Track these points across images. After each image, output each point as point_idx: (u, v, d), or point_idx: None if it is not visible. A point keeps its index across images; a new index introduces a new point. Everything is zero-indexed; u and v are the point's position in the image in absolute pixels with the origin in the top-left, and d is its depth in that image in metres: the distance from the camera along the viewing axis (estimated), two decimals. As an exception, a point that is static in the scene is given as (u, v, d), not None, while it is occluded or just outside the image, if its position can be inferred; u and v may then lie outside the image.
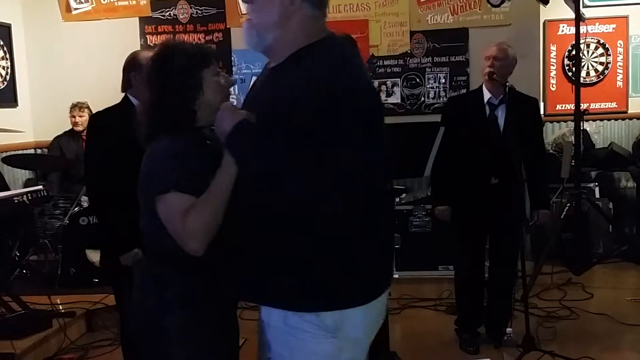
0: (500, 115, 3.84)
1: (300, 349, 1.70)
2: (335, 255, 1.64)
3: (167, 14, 6.09)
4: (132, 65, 3.09)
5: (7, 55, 6.03)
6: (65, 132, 5.81)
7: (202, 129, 1.97)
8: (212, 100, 1.91)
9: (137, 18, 6.11)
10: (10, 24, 6.07)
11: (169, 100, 1.90)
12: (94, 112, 5.61)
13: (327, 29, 1.76)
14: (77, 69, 6.11)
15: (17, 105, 6.12)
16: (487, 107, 3.87)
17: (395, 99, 5.92)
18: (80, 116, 5.68)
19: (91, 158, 3.15)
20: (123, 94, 3.16)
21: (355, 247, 1.67)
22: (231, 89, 2.09)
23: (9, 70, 6.04)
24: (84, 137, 5.70)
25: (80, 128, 5.67)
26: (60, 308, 4.41)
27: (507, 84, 3.69)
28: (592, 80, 6.40)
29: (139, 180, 1.95)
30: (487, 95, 3.88)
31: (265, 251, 1.68)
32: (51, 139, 5.92)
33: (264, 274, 1.69)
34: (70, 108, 5.72)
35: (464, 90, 5.67)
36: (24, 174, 6.09)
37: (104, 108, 3.18)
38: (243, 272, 1.75)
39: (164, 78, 1.92)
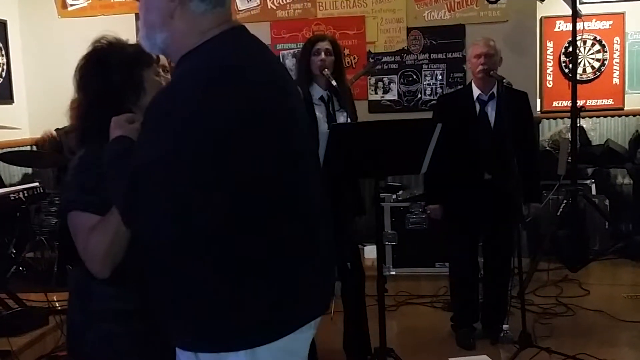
0: (490, 111, 3.87)
1: None
2: (215, 291, 1.44)
3: (164, 10, 6.06)
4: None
5: (3, 52, 6.01)
6: (62, 128, 5.78)
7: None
8: None
9: (133, 14, 6.08)
10: (6, 20, 6.05)
11: (105, 102, 1.75)
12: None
13: (228, 22, 1.54)
14: (73, 66, 5.95)
15: (13, 102, 6.10)
16: (477, 104, 3.89)
17: (392, 95, 5.92)
18: None
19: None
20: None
21: (240, 283, 1.44)
22: None
23: (4, 67, 6.01)
24: None
25: None
26: (57, 305, 4.40)
27: (505, 80, 3.69)
28: (589, 77, 6.40)
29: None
30: (476, 92, 3.90)
31: (153, 282, 1.55)
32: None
33: (158, 303, 1.56)
34: (70, 104, 5.69)
35: (461, 87, 5.66)
36: (20, 171, 6.07)
37: None
38: (148, 295, 1.60)
39: (101, 77, 1.77)
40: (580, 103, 5.20)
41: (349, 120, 3.42)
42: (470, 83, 3.96)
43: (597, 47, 6.38)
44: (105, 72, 1.77)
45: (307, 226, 1.54)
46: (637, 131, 6.25)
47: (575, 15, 4.99)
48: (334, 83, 3.37)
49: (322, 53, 3.42)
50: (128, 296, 1.76)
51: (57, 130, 5.82)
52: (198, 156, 1.37)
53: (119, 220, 1.57)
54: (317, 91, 3.48)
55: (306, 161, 1.57)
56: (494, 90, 3.84)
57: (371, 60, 5.83)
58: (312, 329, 1.59)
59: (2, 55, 6.01)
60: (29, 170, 6.09)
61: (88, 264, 1.70)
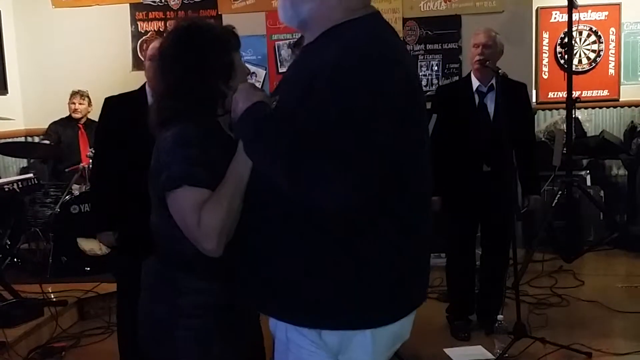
0: (490, 102, 3.85)
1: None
2: (344, 272, 1.45)
3: (158, 0, 6.04)
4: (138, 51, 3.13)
5: (-3, 42, 5.97)
6: (61, 119, 5.77)
7: (218, 117, 1.76)
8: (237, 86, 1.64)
9: (128, 4, 6.06)
10: (-1, 10, 6.02)
11: (199, 79, 1.68)
12: (92, 100, 5.63)
13: (369, 5, 1.57)
14: (67, 56, 6.06)
15: (7, 92, 6.07)
16: (476, 95, 3.88)
17: (388, 86, 5.90)
18: (81, 104, 5.66)
19: (97, 139, 3.25)
20: (116, 81, 3.20)
21: (370, 264, 1.46)
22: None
23: (-2, 58, 5.98)
24: (81, 125, 5.69)
25: (78, 115, 5.66)
26: (52, 296, 4.40)
27: (500, 71, 3.68)
28: (585, 68, 6.40)
29: (148, 174, 1.75)
30: (475, 83, 3.88)
31: (270, 258, 1.52)
32: (42, 126, 5.90)
33: (269, 284, 1.53)
34: (71, 95, 5.69)
35: (456, 78, 5.66)
36: (15, 162, 6.05)
37: (119, 93, 3.20)
38: (250, 278, 1.58)
39: (195, 54, 1.69)
40: (575, 94, 5.20)
41: None
42: (470, 74, 3.95)
43: (592, 38, 6.38)
44: (199, 49, 1.69)
45: (427, 211, 1.60)
46: (632, 122, 6.27)
47: (571, 6, 4.98)
48: None
49: None
50: (216, 290, 1.71)
51: (52, 124, 5.78)
52: (376, 125, 1.37)
53: (233, 190, 1.57)
54: None
55: (425, 150, 1.60)
56: (493, 81, 3.82)
57: None
58: (414, 314, 1.64)
59: (-4, 46, 5.97)
60: (24, 161, 6.07)
61: (200, 242, 1.59)
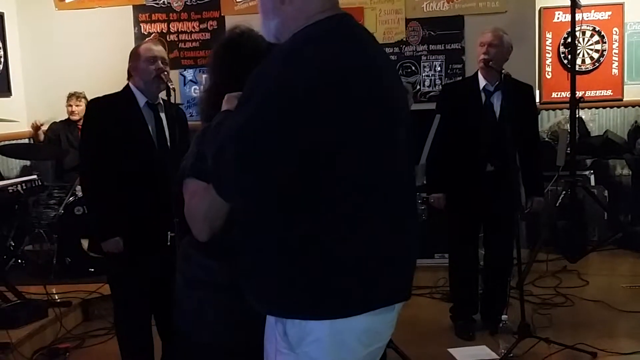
0: (496, 102, 3.84)
1: (269, 352, 1.61)
2: (302, 261, 1.49)
3: (161, 2, 6.04)
4: (132, 54, 3.14)
5: (0, 44, 5.98)
6: (61, 121, 5.80)
7: None
8: None
9: (131, 6, 6.07)
10: (3, 13, 6.03)
11: (231, 88, 1.80)
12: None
13: (335, 8, 1.60)
14: (70, 58, 6.07)
15: (11, 94, 6.08)
16: (482, 94, 3.87)
17: (391, 87, 5.90)
18: (77, 105, 5.68)
19: (85, 143, 3.15)
20: (119, 83, 3.19)
21: (326, 253, 1.48)
22: None
23: (2, 60, 5.99)
24: (80, 126, 5.69)
25: (76, 117, 5.69)
26: (56, 297, 4.41)
27: (503, 71, 3.67)
28: (588, 67, 6.39)
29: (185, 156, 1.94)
30: (482, 82, 3.87)
31: (244, 249, 1.60)
32: (45, 128, 5.91)
33: (247, 272, 1.61)
34: (67, 97, 5.72)
35: (459, 78, 5.65)
36: (19, 164, 6.06)
37: (103, 95, 3.17)
38: (237, 264, 1.66)
39: (230, 65, 1.87)
40: (579, 94, 5.20)
41: None
42: (477, 73, 3.94)
43: (596, 37, 6.37)
44: (235, 62, 1.87)
45: (395, 211, 1.58)
46: (635, 122, 6.25)
47: (575, 6, 4.98)
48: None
49: None
50: (221, 270, 1.85)
51: (53, 123, 5.82)
52: (283, 123, 1.41)
53: None
54: None
55: (397, 150, 1.59)
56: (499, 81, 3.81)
57: None
58: (394, 314, 1.61)
59: (0, 48, 5.98)
60: (28, 162, 6.08)
61: (190, 226, 1.79)
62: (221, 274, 1.85)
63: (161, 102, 3.14)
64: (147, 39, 5.51)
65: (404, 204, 1.62)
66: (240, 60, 1.86)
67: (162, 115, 3.12)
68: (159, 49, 3.12)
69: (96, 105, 3.14)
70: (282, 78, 1.44)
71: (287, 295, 1.51)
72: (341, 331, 1.49)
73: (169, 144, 3.07)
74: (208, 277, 1.88)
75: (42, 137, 5.79)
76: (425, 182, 3.95)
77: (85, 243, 4.96)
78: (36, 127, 5.77)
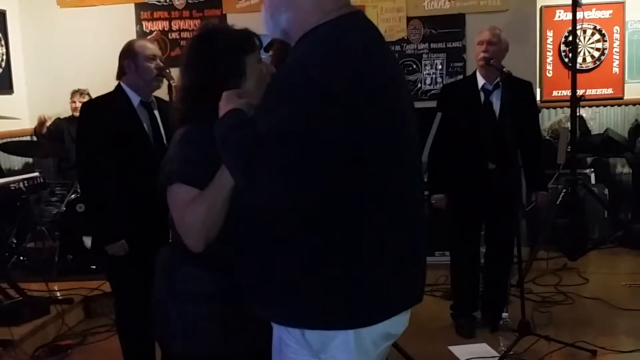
0: (495, 100, 3.85)
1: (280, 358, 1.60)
2: (322, 272, 1.47)
3: (163, 0, 6.05)
4: (126, 52, 3.07)
5: (3, 42, 5.99)
6: (65, 118, 5.81)
7: None
8: (253, 89, 1.76)
9: (133, 4, 6.07)
10: (5, 10, 6.03)
11: (209, 85, 1.76)
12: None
13: (347, 5, 1.58)
14: (72, 56, 6.08)
15: (13, 92, 6.08)
16: (481, 93, 3.88)
17: (392, 85, 5.90)
18: (81, 102, 5.68)
19: (81, 146, 3.12)
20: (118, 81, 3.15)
21: (352, 262, 1.47)
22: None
23: (4, 57, 6.00)
24: None
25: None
26: (58, 295, 4.42)
27: (504, 69, 3.68)
28: (589, 66, 6.39)
29: (161, 166, 1.83)
30: (481, 81, 3.88)
31: (256, 257, 1.56)
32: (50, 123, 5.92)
33: (257, 280, 1.57)
34: (71, 94, 5.73)
35: (460, 77, 5.66)
36: (21, 161, 6.07)
37: (95, 96, 3.15)
38: (241, 273, 1.63)
39: (206, 59, 1.80)
40: (579, 92, 5.20)
41: None
42: (475, 72, 3.95)
43: (597, 36, 6.37)
44: (211, 56, 1.80)
45: (410, 209, 1.58)
46: (636, 120, 6.25)
47: (576, 5, 4.98)
48: None
49: None
50: (214, 279, 1.79)
51: (57, 119, 5.83)
52: (324, 127, 1.38)
53: (215, 194, 1.67)
54: None
55: (406, 150, 1.58)
56: (499, 79, 3.81)
57: None
58: (408, 315, 1.63)
59: (2, 46, 5.99)
60: (30, 160, 6.09)
61: (184, 236, 1.72)
62: (213, 283, 1.79)
63: (154, 99, 3.12)
64: (147, 37, 5.53)
65: (414, 204, 1.62)
66: (217, 53, 1.80)
67: (156, 112, 3.09)
68: (155, 47, 3.11)
69: (89, 108, 3.13)
70: (324, 80, 1.39)
71: (308, 307, 1.50)
72: (363, 337, 1.52)
73: (165, 142, 3.03)
74: (199, 289, 1.80)
75: (44, 130, 5.78)
76: (426, 180, 3.96)
77: (87, 241, 4.97)
78: (42, 122, 5.77)
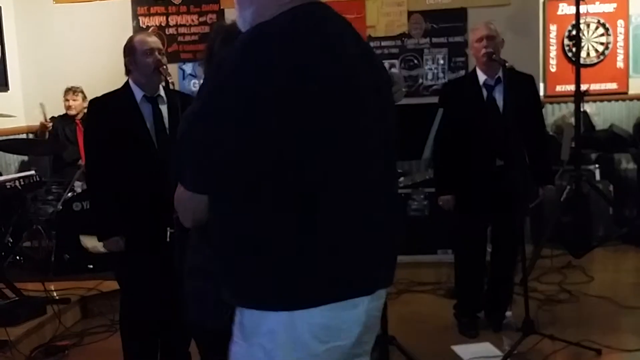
0: (498, 96, 3.81)
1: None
2: (259, 250, 1.48)
3: (160, -5, 6.00)
4: (127, 49, 3.08)
5: (-2, 39, 5.95)
6: (59, 116, 5.78)
7: None
8: None
9: (129, 0, 6.02)
10: (0, 7, 5.98)
11: None
12: (87, 96, 5.61)
13: None
14: (68, 52, 6.04)
15: (8, 89, 6.04)
16: (483, 90, 3.82)
17: (393, 80, 5.85)
18: (74, 100, 5.66)
19: (88, 143, 3.16)
20: (117, 76, 3.15)
21: (284, 242, 1.46)
22: None
23: (-1, 54, 5.96)
24: (78, 121, 5.68)
25: (73, 112, 5.67)
26: (55, 294, 4.38)
27: (507, 64, 3.63)
28: (593, 60, 6.34)
29: None
30: (482, 77, 3.83)
31: (212, 235, 1.60)
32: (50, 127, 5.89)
33: (213, 258, 1.62)
34: (64, 92, 5.69)
35: (462, 72, 5.60)
36: (17, 159, 6.04)
37: (103, 93, 3.14)
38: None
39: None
40: (583, 87, 5.15)
41: None
42: (475, 69, 3.89)
43: (600, 30, 6.31)
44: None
45: (361, 206, 1.53)
46: (641, 115, 6.20)
47: (579, -2, 4.93)
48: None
49: None
50: (208, 256, 1.84)
51: (52, 118, 5.79)
52: (240, 112, 1.40)
53: None
54: None
55: (366, 142, 1.55)
56: (500, 74, 3.77)
57: None
58: (359, 312, 1.53)
59: (-3, 42, 5.95)
60: (25, 158, 6.05)
61: (177, 211, 1.78)
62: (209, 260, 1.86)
63: (161, 93, 3.09)
64: (139, 32, 5.46)
65: (372, 198, 1.55)
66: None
67: (163, 107, 3.07)
68: (153, 40, 3.06)
69: (95, 106, 3.14)
70: (238, 73, 1.42)
71: (244, 284, 1.49)
72: (296, 325, 1.46)
73: (169, 136, 3.02)
74: (204, 264, 1.85)
75: (47, 135, 5.76)
76: (429, 177, 3.91)
77: (85, 240, 4.93)
78: (44, 128, 5.74)
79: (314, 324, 1.47)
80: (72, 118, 5.69)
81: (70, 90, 5.67)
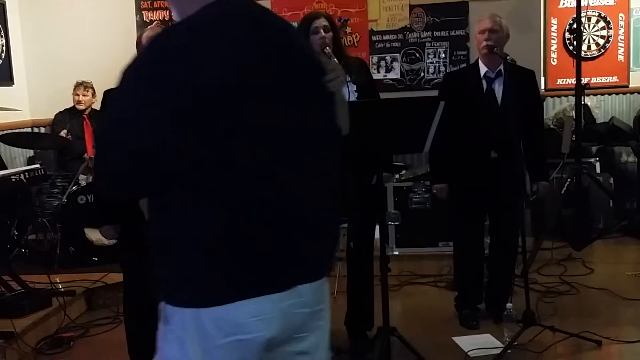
0: (498, 88, 3.82)
1: None
2: (169, 248, 1.49)
3: (163, -11, 6.01)
4: (137, 46, 3.16)
5: (2, 33, 5.95)
6: (65, 110, 5.79)
7: None
8: None
9: (133, -6, 6.04)
10: (4, 1, 5.99)
11: None
12: (96, 91, 5.64)
13: None
14: (72, 46, 6.05)
15: (13, 83, 6.06)
16: (484, 82, 3.84)
17: (395, 74, 5.86)
18: (85, 95, 5.68)
19: None
20: (120, 70, 3.16)
21: (185, 243, 1.47)
22: None
23: (4, 48, 5.97)
24: (85, 116, 5.70)
25: (82, 107, 5.69)
26: (60, 287, 4.41)
27: (508, 57, 3.64)
28: (593, 54, 6.34)
29: None
30: (483, 69, 3.85)
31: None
32: (48, 117, 5.92)
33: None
34: (75, 86, 5.70)
35: (464, 65, 5.60)
36: (21, 153, 6.06)
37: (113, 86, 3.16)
38: None
39: None
40: (584, 80, 5.16)
41: (354, 94, 3.37)
42: (477, 60, 3.91)
43: (601, 23, 6.31)
44: None
45: (273, 200, 1.48)
46: (641, 109, 6.21)
47: (580, -8, 4.93)
48: (335, 61, 3.32)
49: (321, 30, 3.37)
50: None
51: (58, 114, 5.80)
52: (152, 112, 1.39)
53: None
54: None
55: (278, 133, 1.50)
56: (501, 67, 3.78)
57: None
58: (265, 308, 1.48)
59: (2, 37, 5.95)
60: (31, 152, 6.07)
61: None
62: None
63: None
64: (148, 27, 5.47)
65: (289, 195, 1.51)
66: None
67: None
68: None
69: (107, 97, 3.16)
70: (146, 71, 1.44)
71: (159, 278, 1.52)
72: (202, 319, 1.46)
73: None
74: None
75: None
76: (429, 170, 3.93)
77: (89, 233, 4.96)
78: (66, 141, 5.71)
79: (217, 318, 1.46)
80: (79, 113, 5.70)
81: (82, 85, 5.68)
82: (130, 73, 1.46)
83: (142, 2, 6.03)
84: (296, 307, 1.54)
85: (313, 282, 1.57)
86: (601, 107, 6.33)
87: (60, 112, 5.80)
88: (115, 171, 1.44)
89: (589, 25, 6.29)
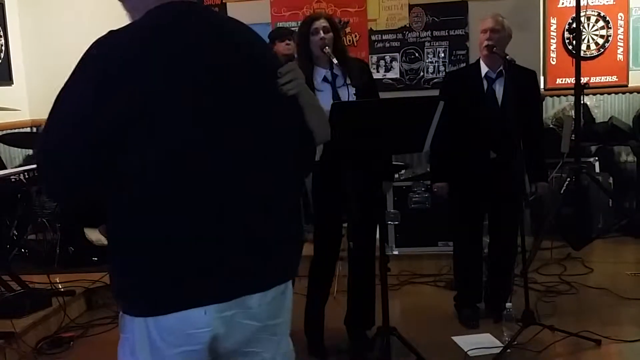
0: (498, 88, 3.82)
1: None
2: (118, 257, 1.52)
3: (163, -11, 6.00)
4: None
5: (1, 33, 5.96)
6: None
7: None
8: None
9: (132, -6, 6.02)
10: (3, 1, 5.99)
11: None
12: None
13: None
14: (72, 45, 6.00)
15: (12, 83, 6.06)
16: (484, 81, 3.84)
17: (394, 74, 5.86)
18: None
19: None
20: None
21: (129, 252, 1.49)
22: None
23: (3, 48, 5.97)
24: None
25: None
26: (60, 287, 4.41)
27: (508, 57, 3.65)
28: (593, 53, 6.34)
29: None
30: (484, 69, 3.85)
31: None
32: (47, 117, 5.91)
33: None
34: None
35: (463, 65, 5.61)
36: (21, 152, 6.06)
37: None
38: None
39: None
40: (584, 80, 5.16)
41: (353, 97, 3.37)
42: (479, 60, 3.91)
43: (601, 23, 6.31)
44: None
45: (216, 209, 1.47)
46: (641, 108, 6.21)
47: (580, -9, 4.93)
48: (335, 61, 3.32)
49: (321, 31, 3.37)
50: None
51: None
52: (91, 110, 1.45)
53: None
54: (320, 72, 3.43)
55: (228, 129, 1.49)
56: (502, 67, 3.78)
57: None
58: (210, 319, 1.48)
59: (1, 36, 5.96)
60: (30, 151, 6.07)
61: None
62: None
63: None
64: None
65: (231, 202, 1.49)
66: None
67: None
68: None
69: None
70: (78, 71, 1.55)
71: (116, 289, 1.55)
72: (149, 329, 1.48)
73: None
74: None
75: None
76: (429, 169, 3.93)
77: (89, 233, 4.96)
78: None
79: (163, 328, 1.46)
80: None
81: None
82: (68, 86, 1.56)
83: (141, 2, 6.02)
84: (241, 317, 1.52)
85: (262, 292, 1.55)
86: (600, 107, 6.33)
87: None
88: (54, 191, 1.53)
89: (588, 25, 6.29)
